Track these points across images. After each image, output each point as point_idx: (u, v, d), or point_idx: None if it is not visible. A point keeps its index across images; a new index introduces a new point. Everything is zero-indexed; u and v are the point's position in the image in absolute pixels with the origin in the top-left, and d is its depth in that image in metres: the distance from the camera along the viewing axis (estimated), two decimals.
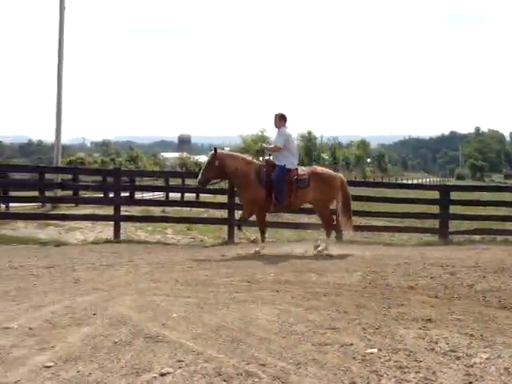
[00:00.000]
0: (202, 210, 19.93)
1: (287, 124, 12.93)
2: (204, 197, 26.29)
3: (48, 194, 23.63)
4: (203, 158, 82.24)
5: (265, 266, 10.79)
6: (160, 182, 34.20)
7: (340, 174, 13.80)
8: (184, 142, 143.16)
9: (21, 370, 5.06)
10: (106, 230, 16.07)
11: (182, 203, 20.72)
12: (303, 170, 12.94)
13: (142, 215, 17.61)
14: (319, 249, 12.61)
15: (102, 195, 25.38)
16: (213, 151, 12.78)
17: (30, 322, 6.49)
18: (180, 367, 5.21)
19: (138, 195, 25.83)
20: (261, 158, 13.12)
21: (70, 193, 25.16)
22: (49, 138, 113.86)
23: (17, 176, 28.16)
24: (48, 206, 23.33)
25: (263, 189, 12.61)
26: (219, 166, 12.57)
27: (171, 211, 19.41)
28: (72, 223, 17.05)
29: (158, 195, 31.22)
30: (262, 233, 12.97)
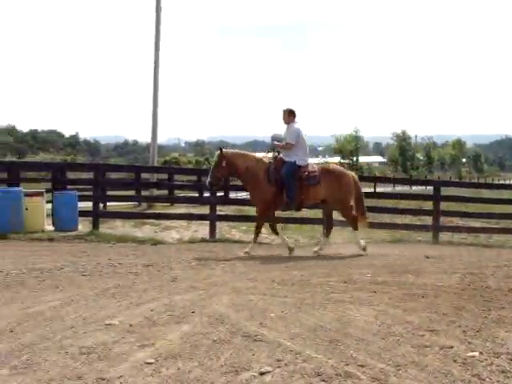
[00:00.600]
0: None
1: (296, 119, 12.65)
2: None
3: (144, 193, 24.19)
4: None
5: (361, 266, 10.68)
6: None
7: (352, 172, 13.74)
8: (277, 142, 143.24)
9: (123, 365, 5.15)
10: (201, 229, 16.28)
11: None
12: (314, 167, 12.75)
13: (238, 214, 17.73)
14: (361, 245, 12.81)
15: (196, 194, 25.70)
16: (219, 152, 12.59)
17: (130, 319, 6.61)
18: (279, 366, 5.20)
19: (232, 195, 25.98)
20: (269, 155, 12.79)
21: (165, 192, 25.61)
22: (144, 138, 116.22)
23: (113, 175, 28.88)
24: (144, 204, 23.87)
25: (273, 187, 12.38)
26: (227, 166, 12.38)
27: None
28: (168, 222, 17.36)
29: None
30: (257, 233, 12.65)
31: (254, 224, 12.85)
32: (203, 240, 14.67)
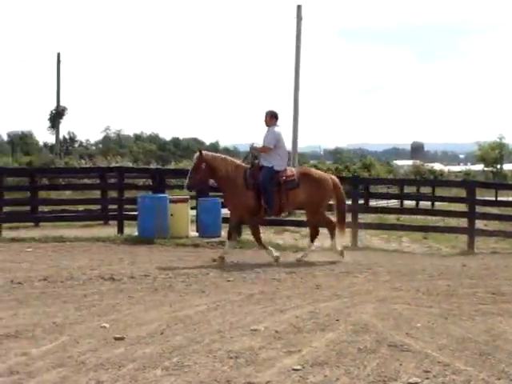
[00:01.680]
0: (438, 218, 19.52)
1: (278, 122, 12.31)
2: (439, 205, 25.72)
3: None
4: (437, 166, 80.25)
5: (509, 278, 10.31)
6: (394, 190, 33.91)
7: (332, 175, 13.21)
8: (417, 150, 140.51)
9: (270, 371, 5.21)
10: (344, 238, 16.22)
11: (417, 211, 20.39)
12: (292, 171, 12.39)
13: (380, 223, 17.53)
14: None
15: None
16: (198, 153, 12.23)
17: (275, 325, 6.68)
18: (427, 378, 5.10)
19: (373, 202, 25.74)
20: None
21: None
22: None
23: None
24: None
25: (251, 192, 11.96)
26: (206, 169, 11.96)
27: (405, 219, 19.18)
28: (307, 229, 17.38)
29: (393, 203, 30.93)
30: (259, 242, 12.30)
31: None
32: (345, 248, 14.59)
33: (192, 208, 16.16)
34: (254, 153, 12.40)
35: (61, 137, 54.64)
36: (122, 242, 14.25)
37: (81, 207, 18.71)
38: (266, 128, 12.27)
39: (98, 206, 19.38)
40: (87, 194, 23.69)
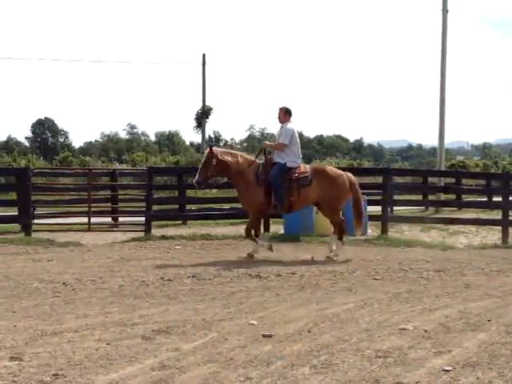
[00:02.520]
0: None
1: (292, 119, 12.06)
2: None
3: (431, 197, 23.85)
4: None
5: None
6: None
7: (348, 173, 12.49)
8: None
9: (419, 371, 5.10)
10: (490, 235, 15.72)
11: None
12: (305, 168, 12.10)
13: None
14: (329, 254, 11.74)
15: (485, 199, 24.79)
16: (208, 149, 12.11)
17: (424, 325, 6.55)
18: None
19: None
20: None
21: (452, 196, 25.06)
22: (428, 141, 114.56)
23: (398, 180, 28.81)
24: (430, 209, 23.55)
25: (261, 188, 11.76)
26: (217, 165, 11.80)
27: None
28: (455, 227, 16.96)
29: None
30: (248, 235, 11.96)
31: (246, 226, 12.20)
32: (495, 246, 14.12)
33: None
34: (268, 149, 12.27)
35: (206, 136, 56.01)
36: (268, 239, 14.43)
37: (226, 205, 19.10)
38: (279, 124, 12.17)
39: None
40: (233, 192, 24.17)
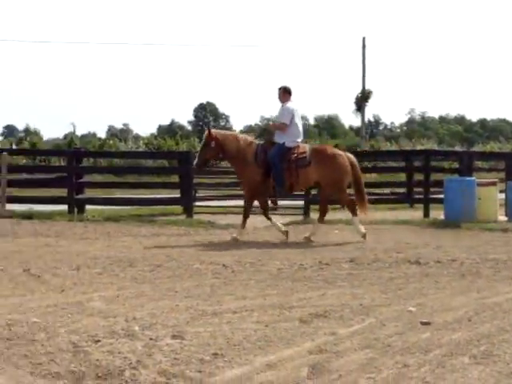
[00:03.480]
0: None
1: (292, 98, 11.97)
2: None
3: None
4: None
5: None
6: None
7: (348, 154, 12.32)
8: None
9: None
10: None
11: None
12: (305, 148, 11.86)
13: None
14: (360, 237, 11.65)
15: None
16: (206, 132, 12.04)
17: None
18: None
19: None
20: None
21: None
22: None
23: None
24: None
25: (260, 169, 11.61)
26: (216, 147, 11.75)
27: None
28: None
29: None
30: (245, 218, 11.91)
31: (243, 209, 12.20)
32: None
33: (501, 192, 15.54)
34: (270, 130, 12.13)
35: (366, 120, 55.59)
36: (427, 225, 14.14)
37: (386, 190, 18.90)
38: (279, 104, 12.05)
39: (403, 189, 19.44)
40: (394, 176, 23.88)
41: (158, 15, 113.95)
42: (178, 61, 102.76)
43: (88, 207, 16.01)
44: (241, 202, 16.12)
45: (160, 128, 75.78)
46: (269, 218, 12.24)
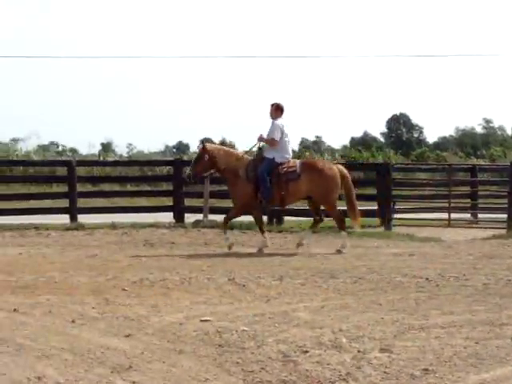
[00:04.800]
0: None
1: (283, 115, 12.15)
2: None
3: None
4: None
5: None
6: None
7: (340, 166, 12.61)
8: None
9: None
10: None
11: None
12: (294, 162, 12.12)
13: None
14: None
15: None
16: (201, 145, 12.44)
17: None
18: None
19: None
20: (255, 148, 12.49)
21: None
22: None
23: None
24: None
25: (250, 184, 11.86)
26: (209, 161, 12.11)
27: None
28: None
29: None
30: (262, 232, 12.21)
31: (259, 225, 12.40)
32: None
33: None
34: (260, 142, 12.26)
35: None
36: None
37: None
38: (270, 121, 12.13)
39: None
40: None
41: (348, 27, 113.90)
42: (371, 72, 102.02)
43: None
44: (442, 215, 15.86)
45: (352, 140, 75.73)
46: (263, 232, 12.29)
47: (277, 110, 12.21)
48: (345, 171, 12.28)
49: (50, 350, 5.34)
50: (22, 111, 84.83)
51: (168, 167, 24.80)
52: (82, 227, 14.86)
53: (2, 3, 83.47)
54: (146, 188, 22.89)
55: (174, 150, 64.25)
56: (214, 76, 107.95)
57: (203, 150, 12.28)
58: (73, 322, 6.31)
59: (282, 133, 12.05)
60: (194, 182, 13.08)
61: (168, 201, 17.14)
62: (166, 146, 62.77)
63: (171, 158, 25.43)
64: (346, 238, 11.99)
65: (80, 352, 5.27)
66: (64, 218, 15.62)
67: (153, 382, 4.64)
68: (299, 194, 12.10)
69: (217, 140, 41.35)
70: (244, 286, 8.28)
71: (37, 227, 14.69)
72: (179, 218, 15.98)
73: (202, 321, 6.31)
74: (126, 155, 50.96)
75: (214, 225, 15.17)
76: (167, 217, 15.86)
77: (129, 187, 22.77)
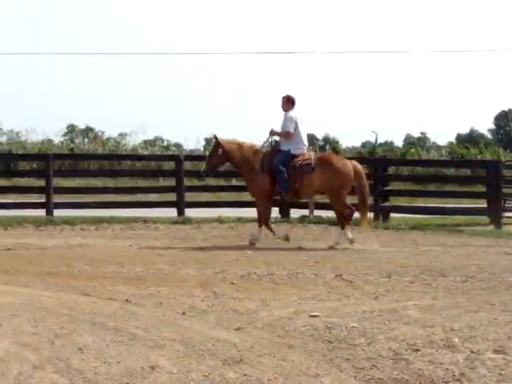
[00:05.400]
0: None
1: (295, 107, 12.20)
2: None
3: None
4: None
5: None
6: None
7: (354, 162, 12.34)
8: None
9: None
10: None
11: None
12: (310, 155, 12.13)
13: None
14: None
15: None
16: (214, 140, 12.57)
17: None
18: None
19: None
20: (269, 140, 12.32)
21: None
22: None
23: None
24: None
25: (266, 176, 11.97)
26: (223, 155, 12.21)
27: None
28: None
29: None
30: (265, 225, 12.11)
31: (258, 217, 12.28)
32: None
33: None
34: (274, 135, 12.27)
35: None
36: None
37: None
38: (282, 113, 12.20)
39: None
40: None
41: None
42: (478, 67, 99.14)
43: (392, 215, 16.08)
44: None
45: (459, 136, 73.88)
46: (268, 227, 12.20)
47: (288, 102, 12.27)
48: (359, 167, 12.24)
49: (162, 340, 5.45)
50: (131, 106, 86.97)
51: None
52: (188, 221, 15.13)
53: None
54: None
55: None
56: None
57: (217, 144, 12.42)
58: (183, 313, 6.42)
59: (296, 124, 12.10)
60: (210, 176, 13.38)
61: None
62: None
63: None
64: (342, 236, 11.86)
65: (191, 343, 5.36)
66: (170, 212, 15.93)
67: (263, 376, 4.66)
68: (313, 186, 12.13)
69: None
70: (351, 282, 8.21)
71: (145, 220, 15.01)
72: (285, 214, 16.02)
73: (310, 316, 6.28)
74: None
75: (319, 220, 15.16)
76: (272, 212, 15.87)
77: (234, 182, 22.94)
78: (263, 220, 12.17)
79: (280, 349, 5.28)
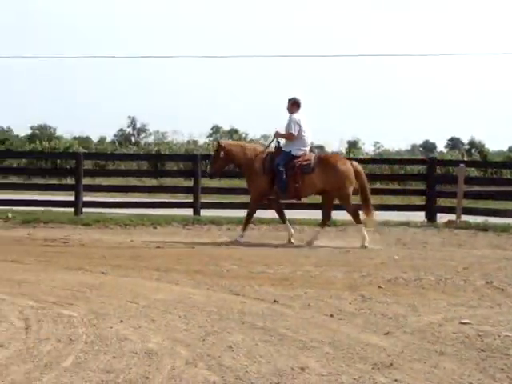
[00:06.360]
0: None
1: (300, 110, 12.44)
2: None
3: None
4: None
5: None
6: None
7: (354, 162, 12.67)
8: None
9: None
10: None
11: None
12: (310, 156, 12.28)
13: None
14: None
15: None
16: (216, 143, 13.34)
17: None
18: None
19: None
20: (272, 144, 12.79)
21: None
22: None
23: None
24: None
25: (266, 177, 12.23)
26: (225, 157, 12.59)
27: None
28: None
29: None
30: (247, 221, 12.65)
31: (246, 212, 12.78)
32: None
33: None
34: (277, 137, 12.52)
35: None
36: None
37: None
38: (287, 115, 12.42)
39: None
40: None
41: None
42: None
43: None
44: None
45: None
46: (284, 221, 12.72)
47: (293, 105, 12.52)
48: (359, 167, 12.50)
49: (311, 342, 5.48)
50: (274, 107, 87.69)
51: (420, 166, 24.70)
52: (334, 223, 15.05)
53: None
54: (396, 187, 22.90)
55: (421, 149, 63.30)
56: None
57: (219, 147, 12.90)
58: (331, 316, 6.43)
59: (300, 126, 12.31)
60: (215, 178, 14.14)
61: (419, 200, 16.94)
62: (413, 145, 62.01)
63: (422, 157, 25.22)
64: (364, 231, 12.04)
65: (340, 346, 5.37)
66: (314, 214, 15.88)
67: (415, 382, 4.60)
68: (313, 187, 12.31)
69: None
70: (503, 290, 7.92)
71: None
72: (431, 218, 15.66)
73: (461, 323, 6.15)
74: (372, 153, 51.08)
75: (467, 226, 14.75)
76: (417, 216, 15.58)
77: (378, 185, 22.71)
78: (245, 219, 12.66)
79: (431, 355, 5.19)
